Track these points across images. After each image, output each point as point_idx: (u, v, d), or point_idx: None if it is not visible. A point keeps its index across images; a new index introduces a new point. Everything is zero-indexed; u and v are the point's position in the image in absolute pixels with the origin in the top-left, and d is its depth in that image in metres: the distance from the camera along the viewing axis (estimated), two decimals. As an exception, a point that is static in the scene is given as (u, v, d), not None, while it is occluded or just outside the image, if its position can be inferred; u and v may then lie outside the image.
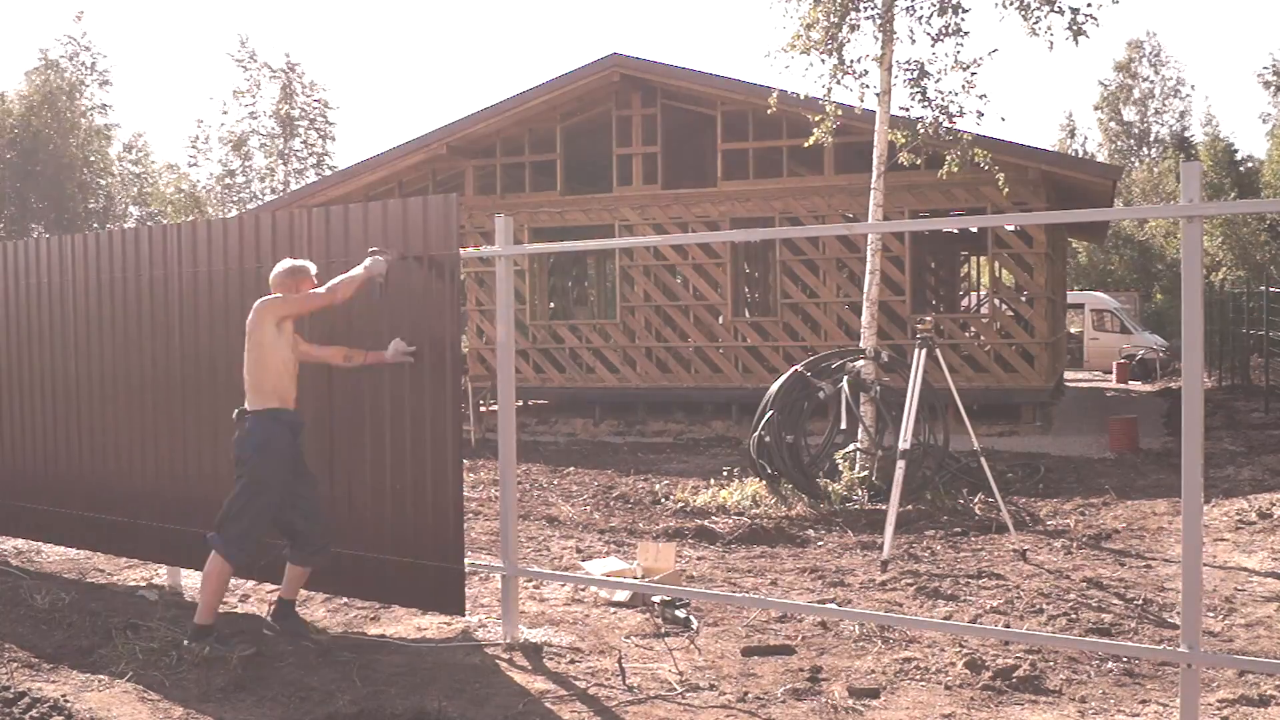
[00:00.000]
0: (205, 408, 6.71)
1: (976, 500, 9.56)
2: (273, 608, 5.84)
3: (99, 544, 7.43)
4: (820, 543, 8.47)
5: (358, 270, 5.57)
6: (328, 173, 36.54)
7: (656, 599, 6.23)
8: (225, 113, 45.81)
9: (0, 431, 8.01)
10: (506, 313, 5.84)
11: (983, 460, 8.82)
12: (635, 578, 6.79)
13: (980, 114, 11.54)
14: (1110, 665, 5.23)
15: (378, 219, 5.93)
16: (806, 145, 12.38)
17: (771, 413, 10.13)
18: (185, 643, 5.39)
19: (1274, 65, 45.16)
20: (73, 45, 37.74)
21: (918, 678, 5.12)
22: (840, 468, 10.09)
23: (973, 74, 11.16)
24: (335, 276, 5.82)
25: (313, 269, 5.68)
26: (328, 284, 5.56)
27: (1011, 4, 11.10)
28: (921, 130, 11.33)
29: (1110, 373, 25.89)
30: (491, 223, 6.27)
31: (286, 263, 5.67)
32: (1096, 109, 53.93)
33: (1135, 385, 24.47)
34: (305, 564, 5.67)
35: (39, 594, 6.55)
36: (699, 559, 7.88)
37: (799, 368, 10.61)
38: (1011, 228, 16.19)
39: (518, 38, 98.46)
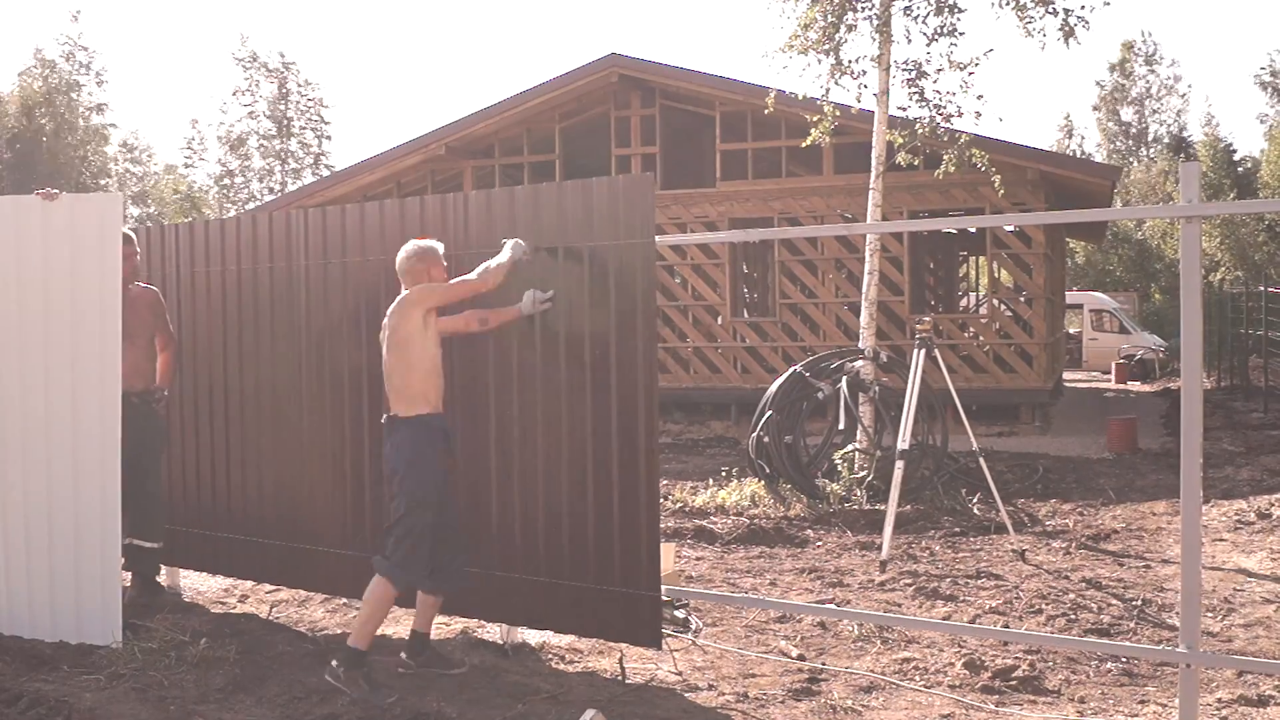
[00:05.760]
0: (203, 411, 6.72)
1: (975, 501, 9.56)
2: (407, 641, 5.31)
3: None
4: (819, 543, 8.47)
5: (503, 256, 5.07)
6: (325, 173, 36.54)
7: (655, 599, 6.22)
8: (224, 112, 45.85)
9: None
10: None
11: (981, 461, 8.82)
12: (634, 578, 6.78)
13: (978, 114, 11.57)
14: (1109, 665, 5.24)
15: (551, 202, 5.31)
16: (805, 145, 12.39)
17: (770, 413, 10.13)
18: (333, 664, 4.89)
19: (1271, 66, 45.28)
20: (69, 45, 37.79)
21: (917, 678, 5.12)
22: (839, 468, 10.09)
23: (969, 74, 11.19)
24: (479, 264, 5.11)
25: (441, 248, 5.15)
26: (477, 270, 5.03)
27: (1007, 4, 11.12)
28: (920, 130, 11.34)
29: (1109, 373, 25.89)
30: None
31: (413, 245, 5.08)
32: (1095, 109, 54.02)
33: (1134, 385, 24.48)
34: (437, 592, 5.20)
35: (37, 595, 6.53)
36: (698, 559, 7.88)
37: (798, 368, 10.61)
38: (1010, 228, 16.21)
39: (518, 38, 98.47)
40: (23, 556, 5.67)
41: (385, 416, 5.05)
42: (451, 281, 5.06)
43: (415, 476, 4.90)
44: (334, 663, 4.89)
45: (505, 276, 5.06)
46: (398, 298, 5.02)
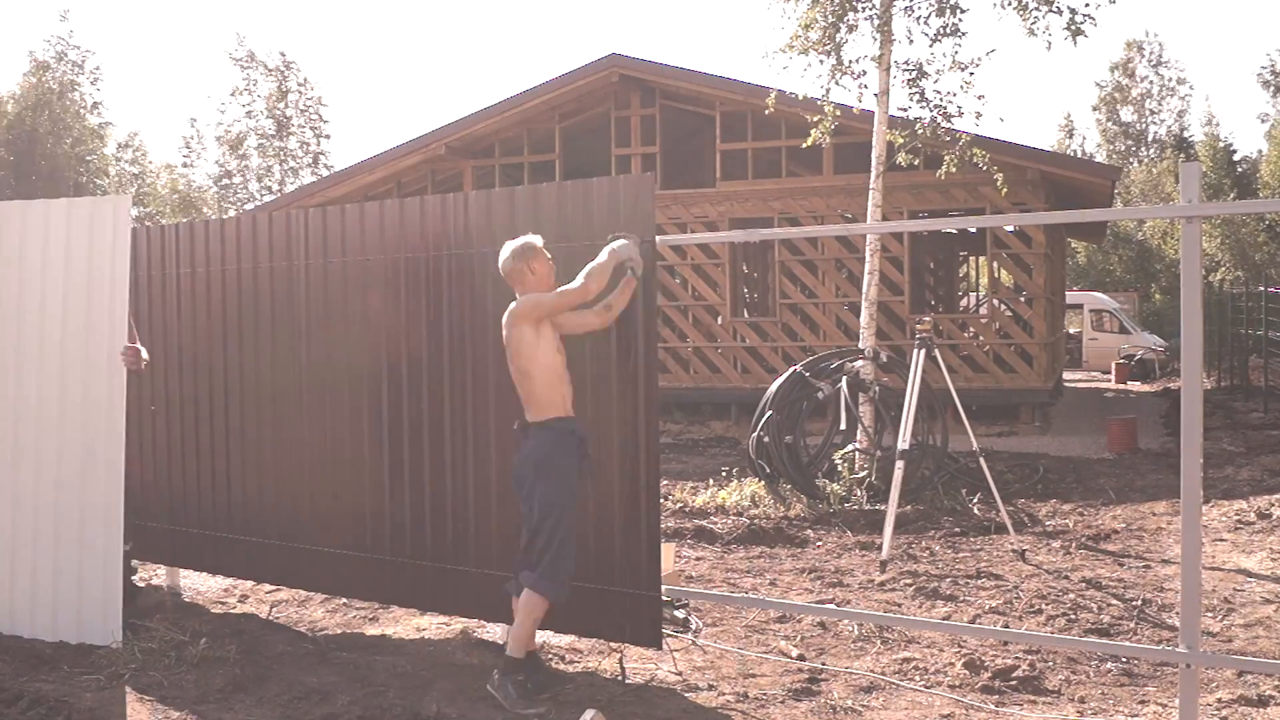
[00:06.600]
0: (204, 408, 6.71)
1: (975, 501, 9.56)
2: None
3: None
4: (819, 543, 8.47)
5: (602, 256, 4.87)
6: (324, 172, 36.54)
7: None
8: (223, 112, 45.80)
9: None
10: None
11: (982, 461, 8.82)
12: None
13: (979, 114, 11.57)
14: (1109, 665, 5.24)
15: (551, 202, 5.34)
16: (805, 145, 12.38)
17: (770, 413, 10.13)
18: (494, 674, 4.82)
19: (1273, 65, 45.30)
20: (61, 45, 37.78)
21: (917, 678, 5.12)
22: (839, 468, 10.09)
23: (971, 74, 11.19)
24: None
25: (539, 241, 4.94)
26: (579, 276, 4.82)
27: (1010, 4, 11.12)
28: (920, 130, 11.34)
29: (1109, 373, 25.90)
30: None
31: (509, 245, 4.92)
32: (1095, 109, 54.03)
33: (1134, 385, 24.48)
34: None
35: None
36: (698, 559, 7.88)
37: (798, 368, 10.61)
38: (1010, 228, 16.21)
39: (518, 38, 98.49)
40: (29, 556, 5.70)
41: (517, 424, 4.93)
42: (554, 292, 4.85)
43: (545, 482, 4.77)
44: (494, 674, 4.83)
45: (609, 281, 4.87)
46: (509, 308, 4.88)
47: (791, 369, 10.70)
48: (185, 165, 42.14)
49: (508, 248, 4.94)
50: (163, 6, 78.12)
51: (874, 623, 5.83)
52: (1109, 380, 25.54)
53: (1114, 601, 6.51)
